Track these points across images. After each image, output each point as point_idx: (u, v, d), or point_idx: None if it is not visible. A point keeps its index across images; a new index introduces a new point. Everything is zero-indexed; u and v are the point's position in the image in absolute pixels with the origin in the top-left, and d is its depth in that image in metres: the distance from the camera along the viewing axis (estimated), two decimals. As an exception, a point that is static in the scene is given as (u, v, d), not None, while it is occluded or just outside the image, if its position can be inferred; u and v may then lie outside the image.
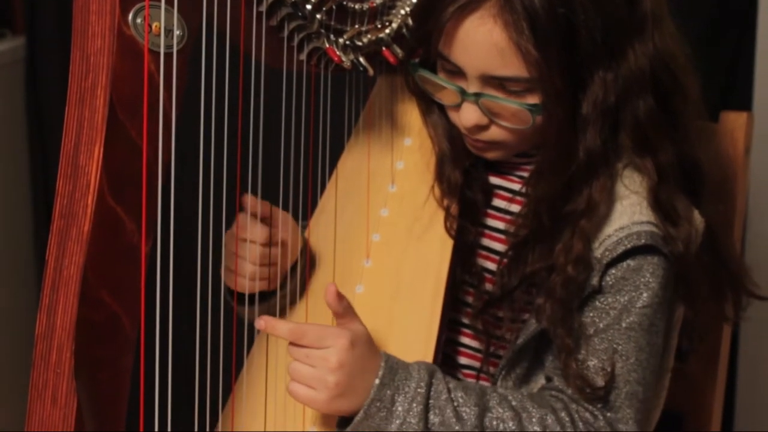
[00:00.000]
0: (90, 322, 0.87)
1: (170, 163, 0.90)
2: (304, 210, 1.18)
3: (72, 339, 0.86)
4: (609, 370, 1.10)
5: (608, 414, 1.11)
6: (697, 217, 1.16)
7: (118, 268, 0.89)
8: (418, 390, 1.05)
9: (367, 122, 1.26)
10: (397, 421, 1.05)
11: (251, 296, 1.15)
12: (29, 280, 2.16)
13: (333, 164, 1.24)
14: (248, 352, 1.18)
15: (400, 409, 1.05)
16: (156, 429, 0.90)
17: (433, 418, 1.06)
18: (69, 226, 0.88)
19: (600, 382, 1.10)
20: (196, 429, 1.00)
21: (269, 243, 1.16)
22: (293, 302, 1.19)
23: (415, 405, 1.05)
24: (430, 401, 1.06)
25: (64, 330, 0.86)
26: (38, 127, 2.12)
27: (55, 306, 0.87)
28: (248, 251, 1.15)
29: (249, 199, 1.13)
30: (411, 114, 1.27)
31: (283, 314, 1.18)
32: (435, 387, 1.07)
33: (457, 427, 1.06)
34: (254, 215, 1.15)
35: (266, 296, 1.18)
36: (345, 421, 1.07)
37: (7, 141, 2.13)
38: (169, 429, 0.91)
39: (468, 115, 1.14)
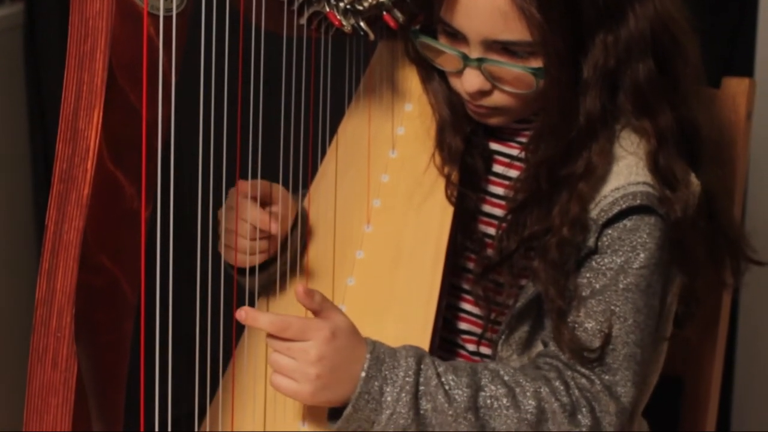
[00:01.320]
0: (90, 287, 0.87)
1: (170, 128, 0.90)
2: (305, 176, 1.17)
3: (72, 303, 0.86)
4: (606, 331, 1.10)
5: (605, 377, 1.10)
6: (694, 181, 1.15)
7: (118, 232, 0.89)
8: (407, 379, 1.04)
9: (368, 88, 1.26)
10: (387, 412, 1.04)
11: (251, 268, 1.14)
12: (29, 245, 2.16)
13: (333, 130, 1.23)
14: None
15: (389, 399, 1.04)
16: (157, 393, 0.90)
17: (425, 405, 1.05)
18: (68, 191, 0.87)
19: (597, 344, 1.10)
20: (197, 394, 1.00)
21: (263, 220, 1.15)
22: (293, 268, 1.19)
23: (404, 394, 1.04)
24: (420, 388, 1.05)
25: (64, 294, 0.86)
26: (37, 93, 2.11)
27: (55, 270, 0.87)
28: (244, 228, 1.13)
29: (244, 186, 1.12)
30: (412, 80, 1.26)
31: (283, 280, 1.18)
32: (424, 373, 1.06)
33: (450, 411, 1.05)
34: (246, 196, 1.14)
35: (266, 265, 1.18)
36: (335, 410, 1.06)
37: (6, 107, 2.12)
38: (169, 394, 0.91)
39: (471, 81, 1.14)
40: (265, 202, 1.15)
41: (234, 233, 1.15)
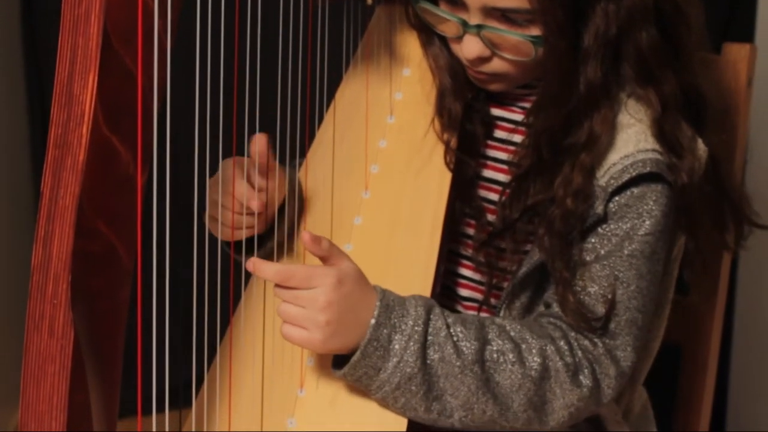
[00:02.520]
0: (86, 253, 0.86)
1: (166, 92, 0.89)
2: (302, 142, 1.17)
3: (68, 270, 0.85)
4: (610, 296, 1.10)
5: (607, 341, 1.11)
6: (701, 146, 1.16)
7: (114, 198, 0.88)
8: (416, 328, 1.04)
9: (366, 53, 1.25)
10: (394, 360, 1.04)
11: (248, 245, 1.13)
12: (27, 210, 2.16)
13: (331, 95, 1.22)
14: (246, 283, 1.18)
15: (397, 347, 1.04)
16: (154, 360, 0.90)
17: (433, 355, 1.05)
18: (64, 156, 0.86)
19: (600, 308, 1.10)
20: (194, 361, 0.99)
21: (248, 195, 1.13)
22: (290, 238, 1.18)
23: (412, 343, 1.04)
24: (429, 338, 1.05)
25: (60, 261, 0.86)
26: (34, 58, 2.11)
27: (51, 236, 0.86)
28: (229, 202, 1.12)
29: (259, 145, 1.10)
30: (410, 45, 1.26)
31: (281, 251, 1.17)
32: (433, 324, 1.06)
33: (457, 363, 1.05)
34: (241, 169, 1.12)
35: (262, 241, 1.17)
36: (339, 358, 1.06)
37: (3, 73, 2.11)
38: (167, 360, 0.91)
39: (470, 47, 1.13)
40: (259, 173, 1.14)
41: (219, 205, 1.14)
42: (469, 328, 1.07)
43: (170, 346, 0.91)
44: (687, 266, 1.22)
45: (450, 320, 1.07)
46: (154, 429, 0.90)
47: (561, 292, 1.11)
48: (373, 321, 1.04)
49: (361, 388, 1.06)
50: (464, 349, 1.06)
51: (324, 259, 1.06)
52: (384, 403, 1.06)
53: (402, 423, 1.06)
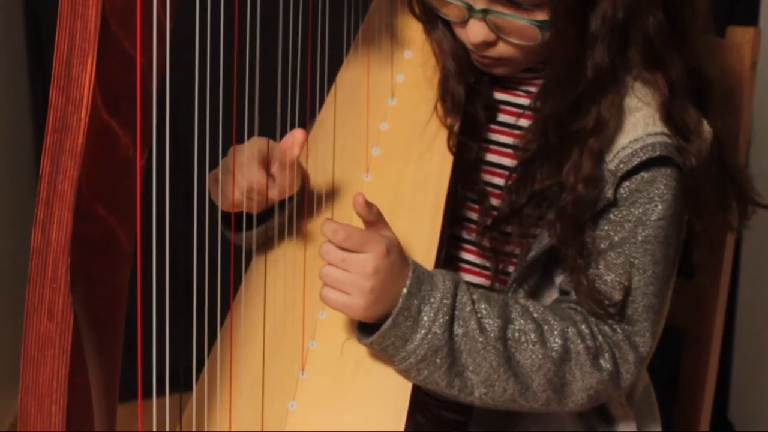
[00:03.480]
0: (85, 237, 0.86)
1: (165, 75, 0.89)
2: (302, 124, 1.16)
3: (67, 254, 0.85)
4: (626, 284, 1.11)
5: (626, 327, 1.12)
6: (706, 128, 1.16)
7: (113, 182, 0.88)
8: (444, 301, 1.05)
9: (367, 34, 1.24)
10: (423, 331, 1.04)
11: (248, 223, 1.13)
12: (27, 194, 2.16)
13: (331, 77, 1.22)
14: (246, 267, 1.17)
15: (425, 319, 1.05)
16: (154, 344, 0.89)
17: (457, 329, 1.05)
18: (62, 140, 0.86)
19: (617, 296, 1.11)
20: (194, 344, 0.99)
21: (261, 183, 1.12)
22: (291, 224, 1.18)
23: (440, 316, 1.05)
24: (456, 312, 1.06)
25: (59, 245, 0.85)
26: (36, 40, 2.10)
27: (50, 220, 0.86)
28: (242, 184, 1.11)
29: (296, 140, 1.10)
30: (411, 27, 1.25)
31: (282, 235, 1.17)
32: (459, 298, 1.06)
33: (480, 339, 1.05)
34: (253, 155, 1.11)
35: (262, 219, 1.16)
36: (365, 327, 1.07)
37: (5, 54, 2.11)
38: (167, 344, 0.91)
39: (475, 32, 1.13)
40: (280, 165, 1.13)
41: (232, 185, 1.13)
42: (493, 305, 1.08)
43: (170, 330, 0.91)
44: (695, 248, 1.22)
45: (475, 296, 1.07)
46: (154, 413, 0.90)
47: (576, 279, 1.12)
48: (405, 291, 1.04)
49: (385, 357, 1.07)
50: (487, 326, 1.06)
51: (369, 225, 1.07)
52: (406, 374, 1.07)
53: (403, 408, 1.06)
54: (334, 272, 1.04)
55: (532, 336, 1.07)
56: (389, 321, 1.04)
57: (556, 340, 1.08)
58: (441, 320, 1.04)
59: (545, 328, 1.08)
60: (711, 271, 1.35)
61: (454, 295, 1.06)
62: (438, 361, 1.05)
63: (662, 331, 1.24)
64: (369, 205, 1.05)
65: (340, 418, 1.06)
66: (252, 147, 1.12)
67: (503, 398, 1.07)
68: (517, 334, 1.07)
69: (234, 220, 1.14)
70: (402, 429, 1.05)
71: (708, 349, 1.40)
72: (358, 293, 1.03)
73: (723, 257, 1.37)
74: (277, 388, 1.08)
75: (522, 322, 1.08)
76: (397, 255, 1.06)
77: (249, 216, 1.15)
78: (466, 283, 1.09)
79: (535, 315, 1.09)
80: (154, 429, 0.90)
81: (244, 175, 1.11)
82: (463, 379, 1.06)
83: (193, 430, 1.04)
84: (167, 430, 0.97)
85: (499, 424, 1.20)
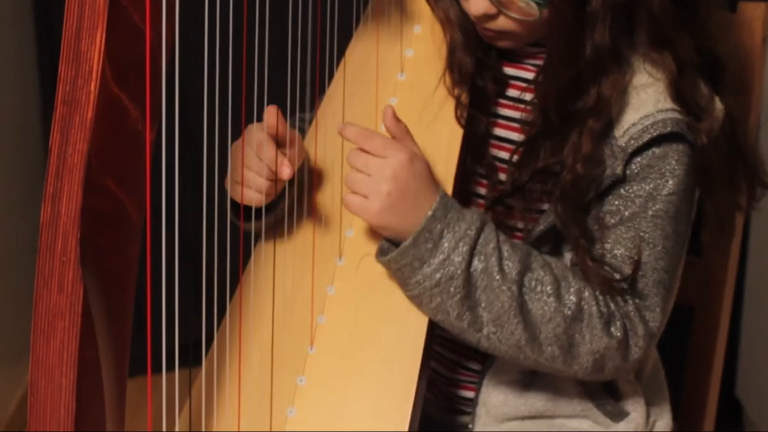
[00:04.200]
0: (95, 210, 0.86)
1: (174, 48, 0.88)
2: (312, 99, 1.16)
3: (77, 227, 0.85)
4: (636, 258, 1.10)
5: (636, 301, 1.12)
6: (718, 106, 1.15)
7: (123, 155, 0.87)
8: (468, 232, 1.06)
9: (376, 9, 1.24)
10: (441, 257, 1.05)
11: (257, 211, 1.13)
12: (37, 167, 2.16)
13: (341, 52, 1.21)
14: (255, 241, 1.17)
15: (446, 245, 1.05)
16: (164, 318, 0.89)
17: (477, 264, 1.06)
18: (72, 113, 0.86)
19: (627, 270, 1.11)
20: (204, 319, 0.99)
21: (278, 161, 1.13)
22: (300, 203, 1.17)
23: (462, 245, 1.05)
24: (478, 246, 1.06)
25: (69, 218, 0.85)
26: (44, 13, 2.10)
27: (60, 194, 0.86)
28: (258, 166, 1.11)
29: (271, 116, 1.10)
30: (421, 1, 1.24)
31: (291, 215, 1.17)
32: (485, 234, 1.07)
33: (497, 277, 1.06)
34: (267, 133, 1.11)
35: (271, 206, 1.16)
36: (385, 247, 1.08)
37: (13, 27, 2.11)
38: (176, 319, 0.91)
39: (476, 4, 1.13)
40: (280, 144, 1.13)
41: (244, 169, 1.13)
42: (516, 251, 1.09)
43: (180, 304, 0.91)
44: (704, 228, 1.22)
45: (501, 238, 1.09)
46: (164, 387, 0.90)
47: (580, 259, 1.11)
48: (429, 213, 1.06)
49: (399, 280, 1.08)
50: (506, 267, 1.07)
51: (397, 138, 1.09)
52: (418, 300, 1.07)
53: (411, 382, 1.06)
54: (356, 176, 1.07)
55: (548, 288, 1.08)
56: (410, 239, 1.05)
57: (571, 297, 1.08)
58: (461, 249, 1.05)
59: (563, 284, 1.09)
60: (720, 249, 1.35)
61: (480, 230, 1.07)
62: (452, 289, 1.05)
63: (672, 307, 1.24)
64: (397, 120, 1.08)
65: (350, 392, 1.07)
66: (254, 134, 1.12)
67: (510, 342, 1.08)
68: (533, 283, 1.08)
69: (243, 211, 1.13)
70: (411, 403, 1.05)
71: (716, 327, 1.40)
72: (375, 195, 1.06)
73: (732, 236, 1.36)
74: (286, 363, 1.09)
75: (541, 273, 1.09)
76: (422, 170, 1.08)
77: (259, 201, 1.15)
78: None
79: (555, 271, 1.10)
80: (164, 403, 0.90)
81: (264, 159, 1.11)
82: (474, 314, 1.07)
83: (203, 403, 1.04)
84: (177, 404, 0.97)
85: (508, 399, 1.20)
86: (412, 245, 1.05)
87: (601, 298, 1.10)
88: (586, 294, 1.09)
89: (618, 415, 1.22)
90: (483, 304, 1.06)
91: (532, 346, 1.08)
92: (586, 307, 1.09)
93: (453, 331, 1.09)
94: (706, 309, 1.41)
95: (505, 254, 1.07)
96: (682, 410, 1.42)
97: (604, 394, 1.21)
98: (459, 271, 1.05)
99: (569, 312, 1.08)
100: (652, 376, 1.28)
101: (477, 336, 1.08)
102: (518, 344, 1.08)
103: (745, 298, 2.02)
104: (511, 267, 1.07)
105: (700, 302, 1.41)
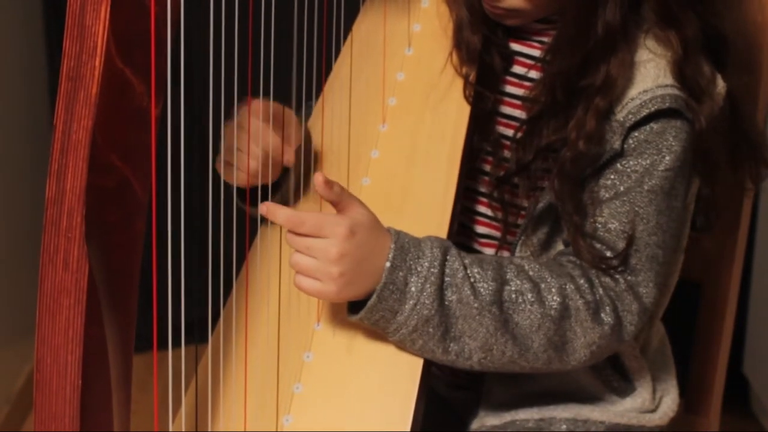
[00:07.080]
0: (100, 187, 0.85)
1: (179, 23, 0.88)
2: (318, 75, 1.15)
3: (82, 203, 0.85)
4: (629, 232, 1.09)
5: (629, 277, 1.10)
6: (720, 83, 1.14)
7: (128, 131, 0.87)
8: (431, 270, 1.03)
9: (383, -16, 1.23)
10: (411, 302, 1.03)
11: (261, 195, 1.12)
12: (42, 144, 2.16)
13: (348, 27, 1.21)
14: (262, 218, 1.17)
15: (413, 289, 1.03)
16: (170, 295, 0.89)
17: (450, 296, 1.04)
18: (76, 89, 0.85)
19: (621, 245, 1.09)
20: (210, 295, 0.99)
21: (276, 146, 1.12)
22: (306, 180, 1.17)
23: (428, 285, 1.03)
24: (446, 279, 1.04)
25: (74, 194, 0.85)
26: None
27: (65, 170, 0.85)
28: (253, 150, 1.10)
29: (257, 106, 1.09)
30: (426, -24, 1.24)
31: (297, 194, 1.16)
32: (450, 265, 1.04)
33: (475, 304, 1.04)
34: (259, 116, 1.11)
35: (276, 186, 1.15)
36: (354, 303, 1.05)
37: (19, 3, 2.10)
38: (182, 295, 0.91)
39: None
40: (276, 125, 1.12)
41: (236, 151, 1.12)
42: (486, 268, 1.06)
43: (186, 281, 0.91)
44: (700, 211, 1.21)
45: (467, 261, 1.06)
46: (170, 364, 0.90)
47: (572, 236, 1.10)
48: (388, 264, 1.02)
49: (378, 330, 1.06)
50: (481, 290, 1.05)
51: (335, 204, 1.04)
52: (402, 345, 1.06)
53: (416, 367, 1.06)
54: (301, 260, 1.03)
55: (529, 296, 1.06)
56: (374, 297, 1.03)
57: (555, 297, 1.07)
58: (429, 289, 1.03)
59: (542, 286, 1.07)
60: (727, 226, 1.34)
61: (443, 263, 1.04)
62: (431, 330, 1.03)
63: (677, 285, 1.24)
64: (329, 185, 1.02)
65: (356, 370, 1.06)
66: (245, 116, 1.10)
67: (502, 360, 1.07)
68: (513, 296, 1.06)
69: (249, 195, 1.12)
70: (419, 376, 1.05)
71: (724, 304, 1.40)
72: (328, 279, 1.02)
73: (740, 213, 1.36)
74: (292, 340, 1.08)
75: (518, 282, 1.07)
76: (367, 232, 1.03)
77: (264, 189, 1.14)
78: (457, 247, 1.07)
79: (531, 274, 1.08)
80: (170, 380, 0.90)
81: (259, 144, 1.10)
82: (460, 345, 1.05)
83: (209, 380, 1.04)
84: (183, 380, 0.97)
85: (514, 381, 1.19)
86: (377, 302, 1.03)
87: (586, 286, 1.08)
88: (569, 290, 1.07)
89: (624, 392, 1.21)
90: (468, 333, 1.04)
91: (526, 356, 1.07)
92: (571, 303, 1.07)
93: (446, 364, 1.08)
94: (713, 285, 1.41)
95: (477, 277, 1.05)
96: (690, 387, 1.42)
97: (611, 370, 1.21)
98: (432, 312, 1.03)
99: (556, 313, 1.06)
100: (658, 351, 1.27)
101: (468, 363, 1.07)
102: (512, 360, 1.07)
103: (753, 275, 2.02)
104: (486, 288, 1.05)
105: (707, 278, 1.40)
